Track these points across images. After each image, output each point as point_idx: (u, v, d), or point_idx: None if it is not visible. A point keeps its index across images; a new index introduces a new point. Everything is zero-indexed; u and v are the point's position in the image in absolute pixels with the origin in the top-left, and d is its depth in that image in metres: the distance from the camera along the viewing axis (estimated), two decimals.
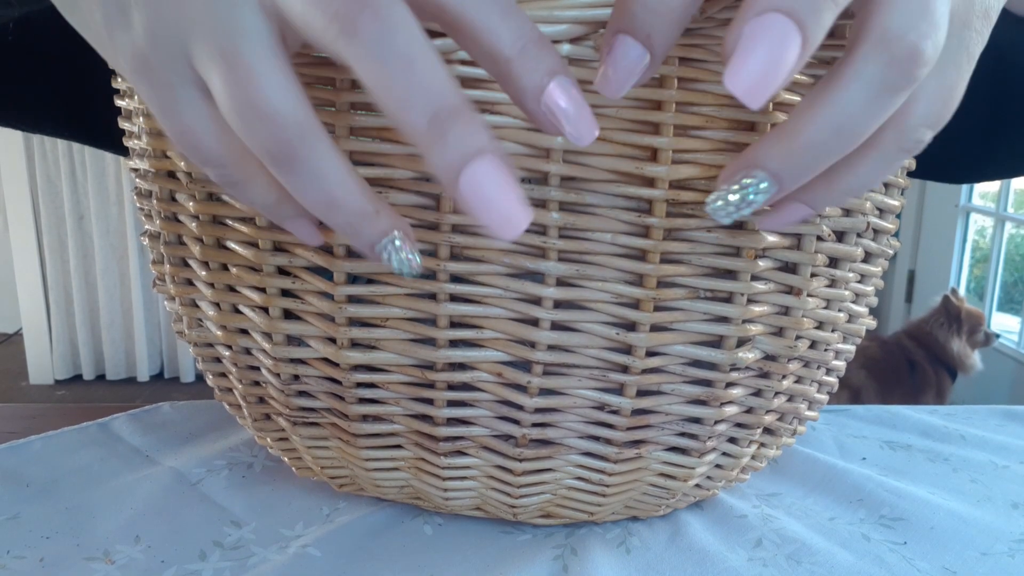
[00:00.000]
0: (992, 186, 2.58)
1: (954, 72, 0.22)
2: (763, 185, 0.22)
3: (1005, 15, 0.28)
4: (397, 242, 0.22)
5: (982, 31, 0.22)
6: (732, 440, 0.36)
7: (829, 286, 0.33)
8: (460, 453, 0.34)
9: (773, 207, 0.25)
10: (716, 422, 0.34)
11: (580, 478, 0.35)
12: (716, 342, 0.32)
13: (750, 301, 0.31)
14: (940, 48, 0.20)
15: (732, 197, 0.22)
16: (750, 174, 0.22)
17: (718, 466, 0.37)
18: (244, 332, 0.34)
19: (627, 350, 0.31)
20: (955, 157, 0.47)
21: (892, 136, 0.22)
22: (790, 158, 0.21)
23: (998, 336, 2.27)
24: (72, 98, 0.46)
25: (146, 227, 0.37)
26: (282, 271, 0.32)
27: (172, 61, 0.21)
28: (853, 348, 0.38)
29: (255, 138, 0.20)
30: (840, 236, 0.33)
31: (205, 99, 0.21)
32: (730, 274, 0.30)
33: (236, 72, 0.20)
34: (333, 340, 0.32)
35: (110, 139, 0.44)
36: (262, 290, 0.32)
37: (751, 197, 0.22)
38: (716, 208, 0.23)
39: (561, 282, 0.30)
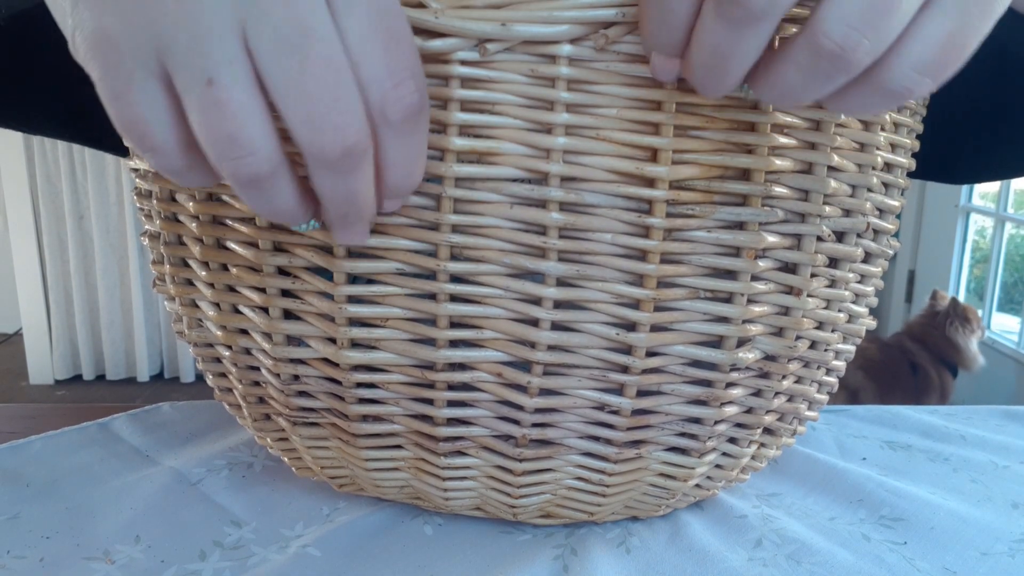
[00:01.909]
0: (992, 186, 2.58)
1: (960, 17, 0.21)
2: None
3: (1007, 12, 0.27)
4: (309, 224, 0.26)
5: None
6: (732, 440, 0.36)
7: (829, 286, 0.33)
8: (460, 453, 0.34)
9: None
10: (716, 422, 0.34)
11: (580, 478, 0.35)
12: (716, 342, 0.32)
13: (750, 301, 0.31)
14: (884, 44, 0.21)
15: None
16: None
17: (718, 466, 0.37)
18: (244, 332, 0.34)
19: (627, 350, 0.31)
20: (956, 157, 0.47)
21: (877, 78, 0.22)
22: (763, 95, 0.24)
23: (987, 327, 2.28)
24: (72, 99, 0.46)
25: (146, 227, 0.37)
26: (282, 271, 0.32)
27: (140, 51, 0.20)
28: (853, 348, 0.38)
29: (227, 165, 0.21)
30: (840, 236, 0.33)
31: (164, 92, 0.21)
32: (730, 274, 0.30)
33: (217, 101, 0.20)
34: (333, 340, 0.32)
35: (110, 140, 0.44)
36: (262, 290, 0.32)
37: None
38: None
39: (561, 282, 0.30)
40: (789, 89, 0.23)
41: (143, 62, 0.21)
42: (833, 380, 0.38)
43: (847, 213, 0.32)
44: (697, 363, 0.32)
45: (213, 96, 0.20)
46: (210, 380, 0.39)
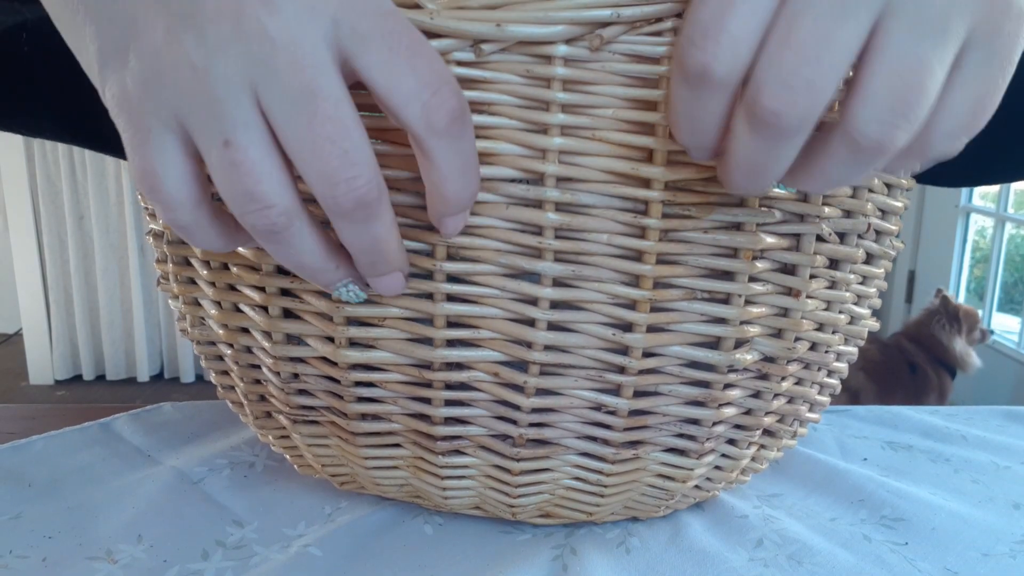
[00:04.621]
0: (992, 187, 2.58)
1: (983, 83, 0.22)
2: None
3: None
4: (348, 285, 0.27)
5: (1017, 33, 0.22)
6: (731, 442, 0.36)
7: (829, 287, 0.33)
8: (458, 452, 0.34)
9: None
10: (714, 423, 0.34)
11: (578, 478, 0.35)
12: (714, 343, 0.32)
13: (748, 302, 0.31)
14: (918, 124, 0.22)
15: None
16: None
17: (717, 467, 0.37)
18: (245, 331, 0.34)
19: (624, 351, 0.31)
20: (954, 163, 0.47)
21: (916, 148, 0.23)
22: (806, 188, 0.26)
23: (992, 332, 2.26)
24: (73, 102, 0.46)
25: (150, 226, 0.37)
26: (281, 270, 0.32)
27: (158, 111, 0.22)
28: (855, 350, 0.37)
29: (247, 218, 0.23)
30: (841, 237, 0.33)
31: (182, 148, 0.23)
32: (727, 275, 0.30)
33: (234, 161, 0.22)
34: (331, 339, 0.32)
35: (112, 143, 0.44)
36: (262, 289, 0.32)
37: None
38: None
39: (557, 283, 0.30)
40: (832, 180, 0.24)
41: (163, 121, 0.22)
42: (835, 382, 0.38)
43: (848, 214, 0.32)
44: (694, 364, 0.32)
45: (230, 157, 0.22)
46: (213, 378, 0.39)
